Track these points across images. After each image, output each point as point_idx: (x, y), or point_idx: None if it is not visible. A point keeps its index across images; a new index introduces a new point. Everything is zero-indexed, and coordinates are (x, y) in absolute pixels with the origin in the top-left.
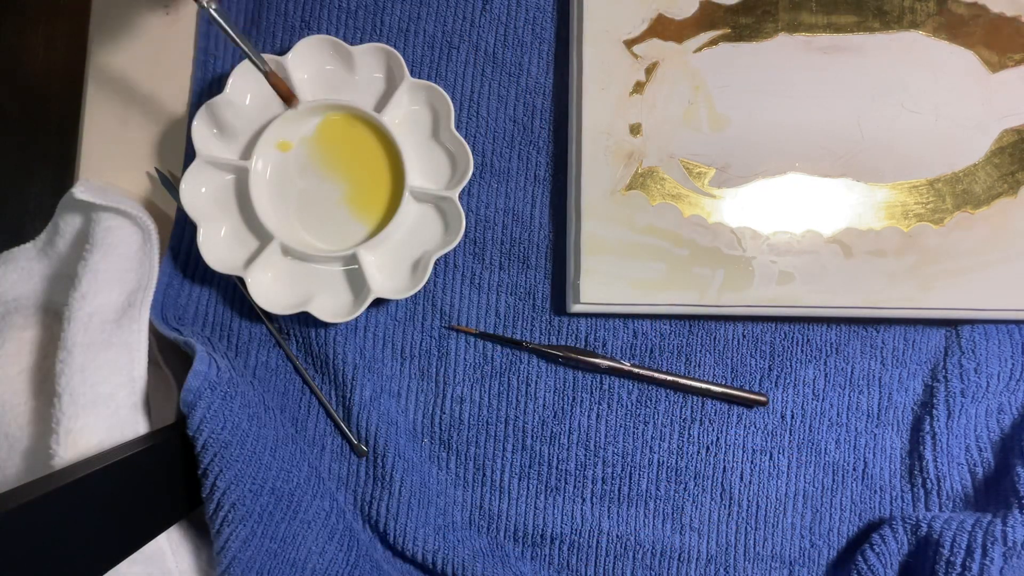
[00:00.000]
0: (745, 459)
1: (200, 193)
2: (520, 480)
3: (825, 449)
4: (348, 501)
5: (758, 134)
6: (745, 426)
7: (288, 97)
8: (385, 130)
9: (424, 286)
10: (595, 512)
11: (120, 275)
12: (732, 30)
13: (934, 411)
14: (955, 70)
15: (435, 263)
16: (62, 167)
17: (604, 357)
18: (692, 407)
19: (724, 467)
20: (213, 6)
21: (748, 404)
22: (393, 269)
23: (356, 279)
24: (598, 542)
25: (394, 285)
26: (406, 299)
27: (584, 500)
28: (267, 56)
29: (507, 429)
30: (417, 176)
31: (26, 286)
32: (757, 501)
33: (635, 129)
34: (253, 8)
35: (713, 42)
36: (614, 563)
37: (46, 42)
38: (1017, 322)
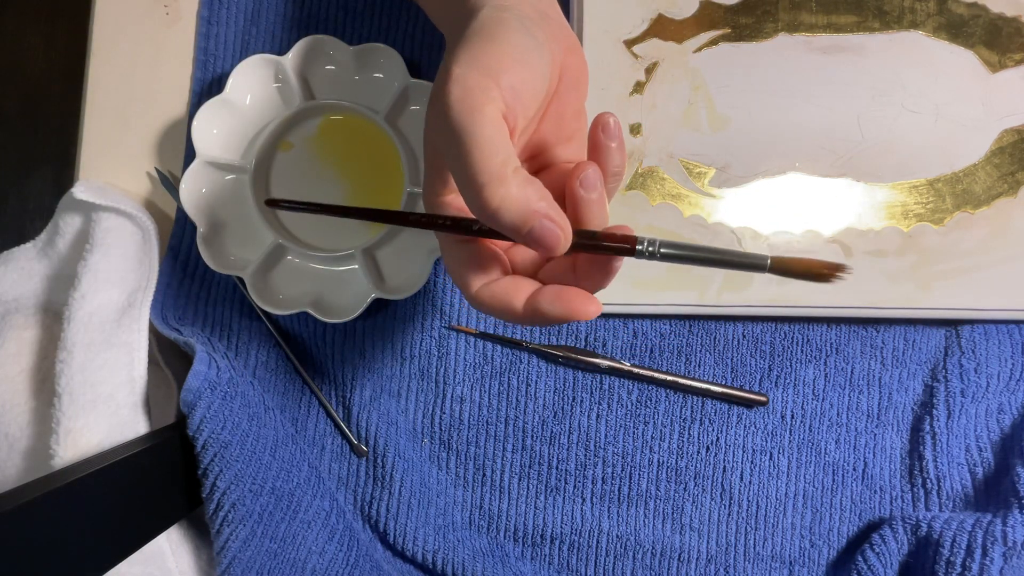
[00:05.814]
0: (745, 459)
1: (200, 193)
2: (520, 480)
3: (825, 449)
4: (348, 501)
5: (758, 134)
6: (745, 426)
7: None
8: (385, 131)
9: (424, 286)
10: (595, 512)
11: (120, 275)
12: (732, 30)
13: (934, 411)
14: (955, 70)
15: (435, 263)
16: (62, 167)
17: (604, 357)
18: (692, 407)
19: (724, 467)
20: None
21: (748, 404)
22: (393, 269)
23: (356, 279)
24: (598, 542)
25: (394, 285)
26: (406, 299)
27: (584, 500)
28: (266, 56)
29: (507, 429)
30: (416, 176)
31: (26, 286)
32: (757, 501)
33: (635, 129)
34: (253, 8)
35: (713, 42)
36: (614, 563)
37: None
38: (1017, 322)
